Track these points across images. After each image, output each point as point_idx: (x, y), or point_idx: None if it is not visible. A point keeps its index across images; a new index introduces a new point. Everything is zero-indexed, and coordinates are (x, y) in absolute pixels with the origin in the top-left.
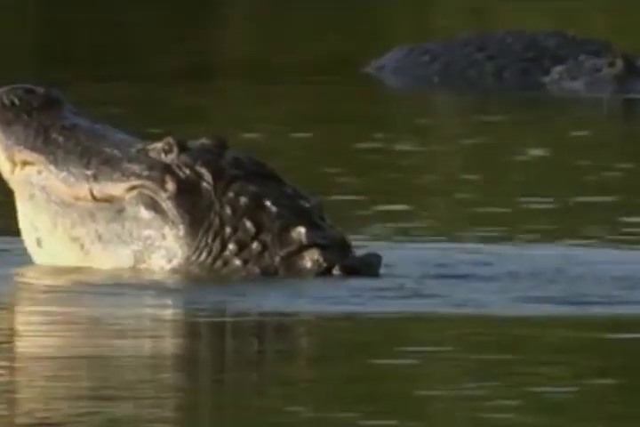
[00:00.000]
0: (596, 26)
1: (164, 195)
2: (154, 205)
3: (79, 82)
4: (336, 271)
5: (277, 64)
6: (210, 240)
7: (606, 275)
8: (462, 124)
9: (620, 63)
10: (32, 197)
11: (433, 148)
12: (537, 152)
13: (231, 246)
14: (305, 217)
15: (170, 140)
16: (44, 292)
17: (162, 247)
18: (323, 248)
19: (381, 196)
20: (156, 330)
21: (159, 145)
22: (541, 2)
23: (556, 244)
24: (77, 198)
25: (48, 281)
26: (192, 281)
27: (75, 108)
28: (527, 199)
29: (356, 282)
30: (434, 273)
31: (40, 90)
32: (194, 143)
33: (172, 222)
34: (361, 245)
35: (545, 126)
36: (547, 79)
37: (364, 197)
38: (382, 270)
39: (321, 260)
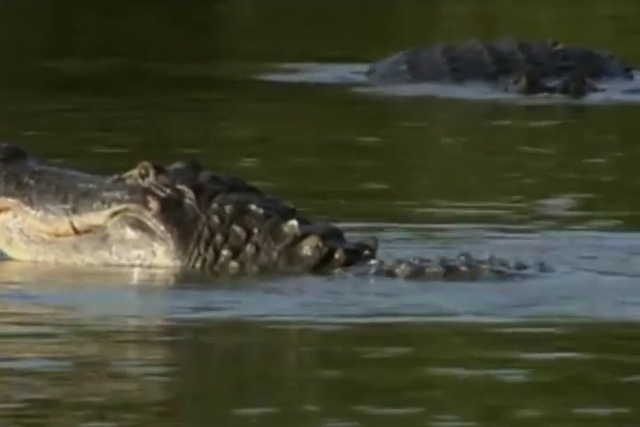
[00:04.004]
0: (598, 22)
1: (148, 214)
2: (140, 225)
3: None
4: (338, 255)
5: (274, 65)
6: (202, 250)
7: None
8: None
9: (523, 82)
10: (10, 241)
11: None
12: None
13: (225, 253)
14: (292, 214)
15: (145, 164)
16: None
17: (153, 264)
18: (320, 235)
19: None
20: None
21: (135, 171)
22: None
23: None
24: (58, 235)
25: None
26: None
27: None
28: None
29: None
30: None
31: (4, 144)
32: (168, 167)
33: (161, 239)
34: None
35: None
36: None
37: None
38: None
39: (321, 245)
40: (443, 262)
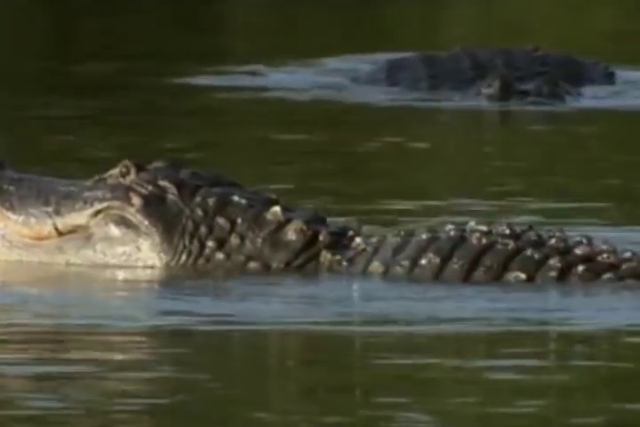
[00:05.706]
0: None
1: (131, 210)
2: (124, 222)
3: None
4: (322, 237)
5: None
6: (187, 243)
7: None
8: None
9: (496, 84)
10: None
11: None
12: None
13: (210, 244)
14: (276, 203)
15: (126, 162)
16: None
17: (139, 260)
18: (303, 220)
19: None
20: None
21: (116, 171)
22: None
23: None
24: (41, 239)
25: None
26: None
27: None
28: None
29: None
30: None
31: None
32: (149, 166)
33: (145, 234)
34: None
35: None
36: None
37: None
38: None
39: (305, 228)
40: (430, 230)
